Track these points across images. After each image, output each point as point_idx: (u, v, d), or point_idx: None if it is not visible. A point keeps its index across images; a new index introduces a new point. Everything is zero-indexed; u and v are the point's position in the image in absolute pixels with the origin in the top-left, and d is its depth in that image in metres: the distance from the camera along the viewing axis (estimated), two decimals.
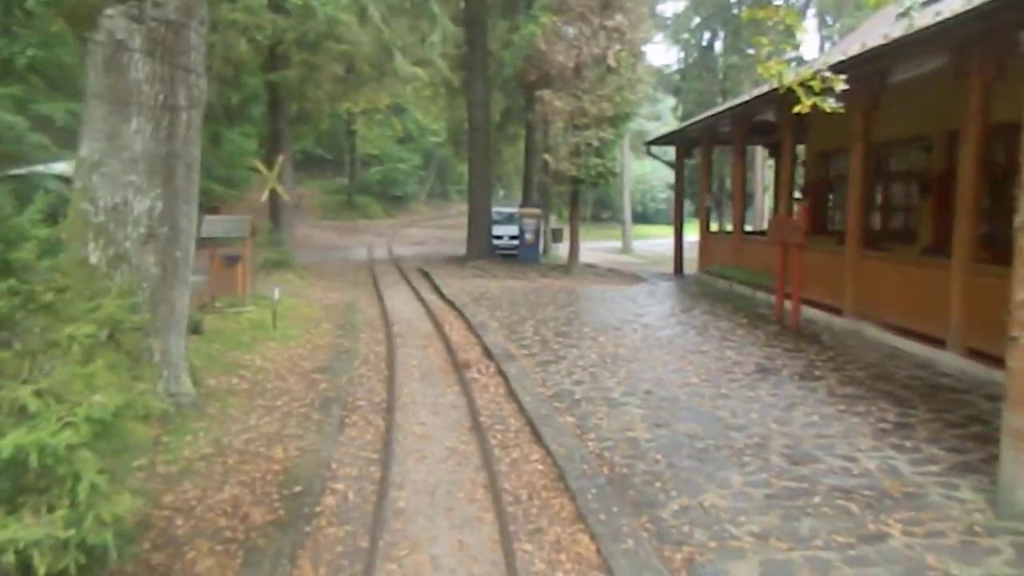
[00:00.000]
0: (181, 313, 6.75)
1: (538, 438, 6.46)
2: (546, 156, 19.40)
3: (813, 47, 39.93)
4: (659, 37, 39.21)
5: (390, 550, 4.56)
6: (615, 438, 6.26)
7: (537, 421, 6.77)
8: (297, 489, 5.24)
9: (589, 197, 43.93)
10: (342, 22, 14.95)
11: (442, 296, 15.40)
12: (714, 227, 23.61)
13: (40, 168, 12.99)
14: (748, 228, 20.14)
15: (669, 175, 25.82)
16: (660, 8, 38.10)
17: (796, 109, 6.66)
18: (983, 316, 7.59)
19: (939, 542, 4.25)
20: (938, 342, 8.54)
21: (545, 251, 25.09)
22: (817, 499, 4.91)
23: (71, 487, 2.72)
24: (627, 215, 36.66)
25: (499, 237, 24.00)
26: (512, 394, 7.84)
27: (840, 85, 6.52)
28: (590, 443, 6.17)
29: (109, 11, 5.96)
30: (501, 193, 42.34)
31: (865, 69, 9.15)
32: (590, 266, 21.55)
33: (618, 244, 35.59)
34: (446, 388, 8.41)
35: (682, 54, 39.47)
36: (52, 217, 3.87)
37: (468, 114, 22.90)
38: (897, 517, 4.59)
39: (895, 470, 5.38)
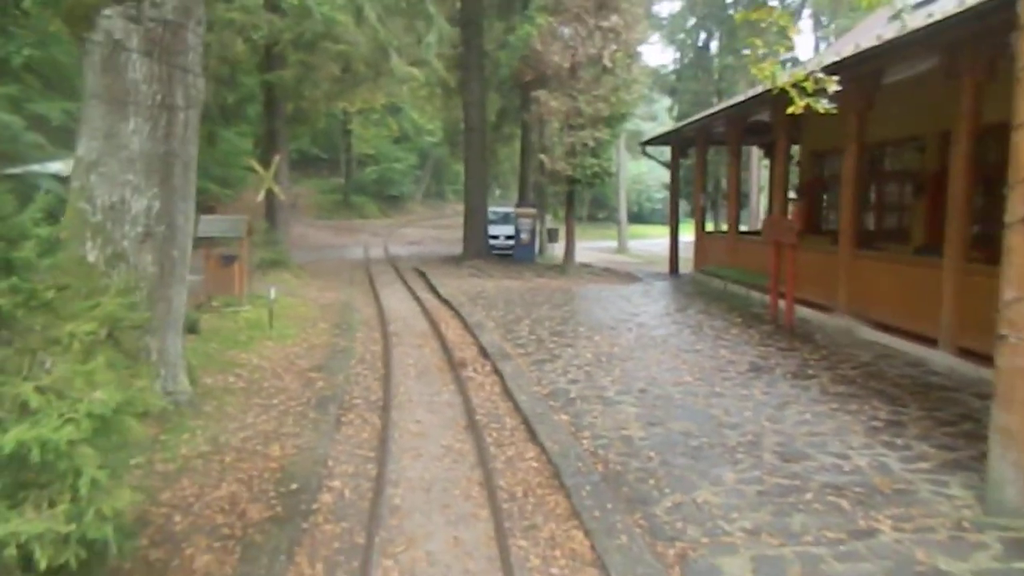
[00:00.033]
0: (178, 312, 6.79)
1: (533, 436, 6.51)
2: (542, 156, 19.46)
3: (809, 48, 40.11)
4: (655, 37, 39.37)
5: (386, 546, 4.60)
6: (609, 436, 6.32)
7: (532, 419, 6.82)
8: (294, 486, 5.28)
9: (585, 197, 44.03)
10: (338, 22, 14.99)
11: (438, 295, 15.44)
12: (709, 227, 23.73)
13: (36, 167, 13.01)
14: (744, 228, 20.21)
15: (665, 175, 25.95)
16: (656, 8, 38.24)
17: (790, 110, 6.73)
18: (974, 315, 7.65)
19: (928, 537, 4.31)
20: (930, 341, 8.61)
21: (541, 251, 25.15)
22: (809, 496, 4.97)
23: (72, 482, 2.76)
24: (623, 215, 36.75)
25: (495, 237, 24.05)
26: (508, 393, 7.89)
27: (833, 86, 6.58)
28: (585, 441, 6.22)
29: (107, 11, 6.00)
30: (497, 193, 42.39)
31: (858, 70, 9.22)
32: (586, 266, 21.61)
33: (614, 244, 35.68)
34: (442, 387, 8.46)
35: (678, 54, 39.60)
36: (52, 216, 3.91)
37: (464, 114, 22.95)
38: (887, 513, 4.65)
39: (886, 467, 5.44)
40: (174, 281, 6.60)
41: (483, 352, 9.83)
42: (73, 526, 2.71)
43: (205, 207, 17.63)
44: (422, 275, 19.28)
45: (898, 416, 6.62)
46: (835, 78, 6.58)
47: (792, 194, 17.23)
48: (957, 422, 6.40)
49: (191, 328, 8.83)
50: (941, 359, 8.36)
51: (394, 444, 6.46)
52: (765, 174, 28.25)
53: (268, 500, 5.05)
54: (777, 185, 14.28)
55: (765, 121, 14.39)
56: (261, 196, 17.04)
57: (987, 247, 8.36)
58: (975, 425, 6.18)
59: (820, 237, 14.19)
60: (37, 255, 3.03)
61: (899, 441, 5.97)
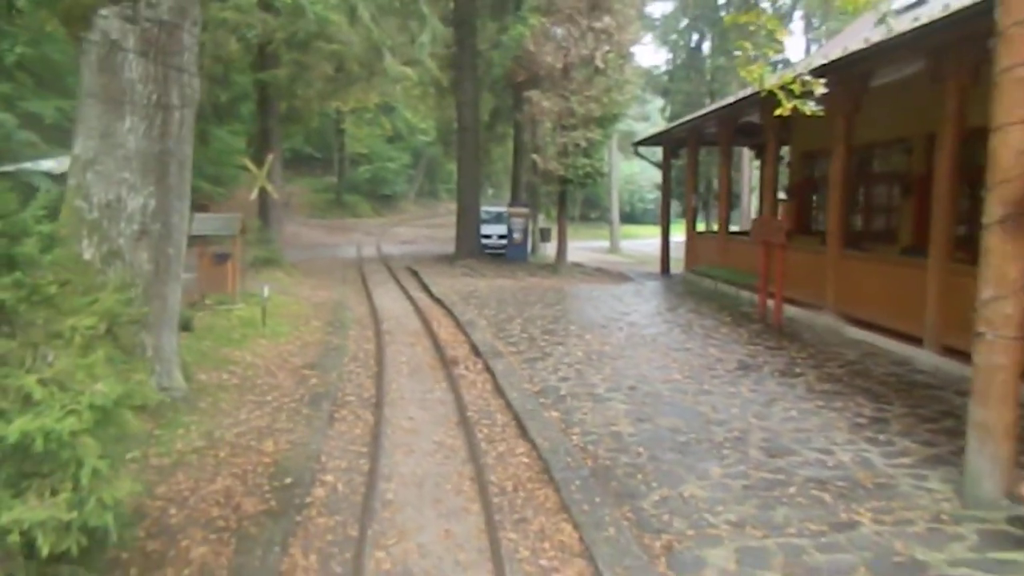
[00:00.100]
0: (173, 309, 6.86)
1: (524, 432, 6.60)
2: (534, 156, 19.56)
3: (800, 50, 40.33)
4: (648, 38, 39.49)
5: (379, 539, 4.69)
6: (599, 432, 6.42)
7: (523, 416, 6.91)
8: (288, 481, 5.36)
9: (577, 197, 44.16)
10: (332, 22, 15.04)
11: (431, 294, 15.52)
12: (701, 227, 23.86)
13: (28, 165, 13.04)
14: (735, 228, 20.36)
15: (657, 175, 26.06)
16: (649, 9, 38.33)
17: (777, 112, 6.85)
18: (958, 315, 7.77)
19: (907, 529, 4.43)
20: (915, 340, 8.74)
21: (533, 250, 25.25)
22: (792, 490, 5.08)
23: (74, 471, 2.85)
24: (615, 215, 36.88)
25: (488, 236, 24.16)
26: (499, 390, 7.99)
27: (819, 89, 6.70)
28: (574, 437, 6.32)
29: (103, 11, 6.07)
30: (490, 192, 42.46)
31: (846, 73, 9.35)
32: (578, 265, 21.72)
33: (606, 244, 35.80)
34: (434, 384, 8.55)
35: (670, 55, 39.77)
36: (50, 214, 3.98)
37: (457, 114, 23.03)
38: (868, 506, 4.77)
39: (868, 462, 5.56)
40: (169, 279, 6.67)
41: (475, 350, 9.92)
42: (74, 514, 2.79)
43: (198, 205, 17.65)
44: (415, 274, 19.36)
45: (882, 413, 6.75)
46: (822, 80, 6.70)
47: (782, 195, 17.39)
48: (939, 419, 6.53)
49: (185, 326, 8.88)
50: (926, 358, 8.50)
51: (387, 440, 6.55)
52: (756, 175, 28.41)
53: (262, 494, 5.13)
54: (767, 186, 14.42)
55: (755, 122, 14.54)
56: (254, 195, 17.08)
57: (972, 248, 8.46)
58: (956, 422, 6.30)
59: (810, 237, 14.33)
60: (39, 251, 3.11)
61: (882, 437, 6.10)
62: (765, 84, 7.14)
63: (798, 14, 36.39)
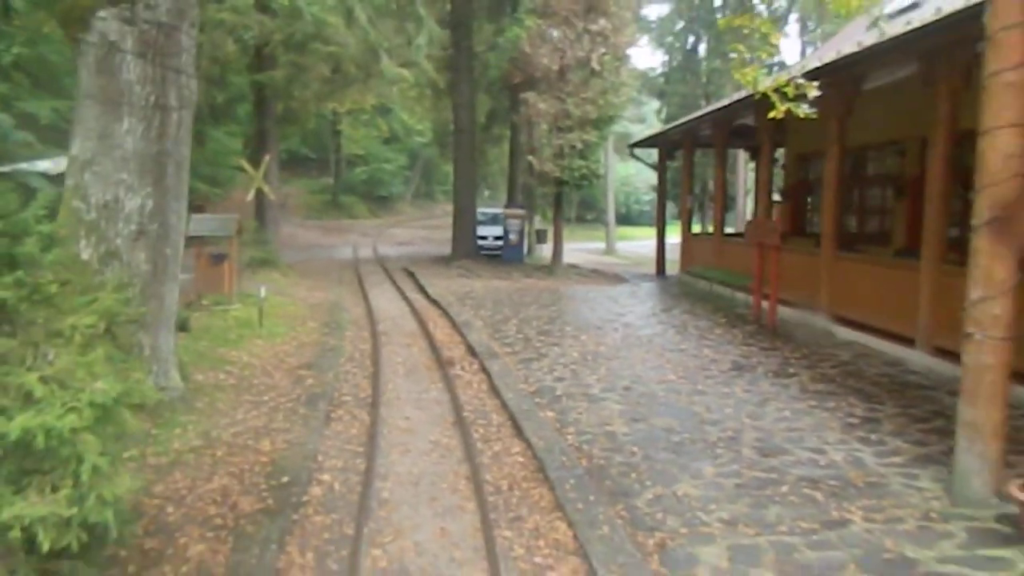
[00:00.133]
0: (170, 309, 6.89)
1: (519, 432, 6.65)
2: (530, 158, 19.61)
3: (796, 52, 40.50)
4: (644, 40, 39.58)
5: (375, 536, 4.73)
6: (594, 432, 6.47)
7: (519, 416, 6.96)
8: (284, 479, 5.40)
9: (573, 198, 44.26)
10: (329, 23, 15.09)
11: (427, 295, 15.56)
12: (696, 229, 23.94)
13: (24, 166, 13.04)
14: (730, 230, 20.44)
15: (653, 177, 26.13)
16: (645, 12, 38.41)
17: (771, 114, 6.92)
18: (950, 316, 7.83)
19: (897, 527, 4.49)
20: (908, 341, 8.81)
21: (529, 252, 25.30)
22: (785, 488, 5.14)
23: (74, 468, 2.89)
24: (611, 216, 36.97)
25: (484, 237, 24.21)
26: (495, 390, 8.03)
27: (812, 91, 6.77)
28: (569, 436, 6.37)
29: (102, 13, 6.10)
30: (486, 194, 42.51)
31: (839, 76, 9.43)
32: (573, 267, 21.78)
33: (602, 245, 35.88)
34: (430, 384, 8.59)
35: (666, 57, 39.85)
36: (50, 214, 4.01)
37: (454, 115, 23.08)
38: (859, 505, 4.82)
39: (860, 461, 5.62)
40: (167, 279, 6.70)
41: (471, 351, 9.96)
42: (75, 510, 2.83)
43: (194, 206, 17.63)
44: (411, 275, 19.39)
45: (874, 413, 6.81)
46: (815, 83, 6.77)
47: (777, 197, 17.47)
48: (930, 419, 6.59)
49: (181, 326, 8.91)
50: (918, 358, 8.56)
51: (383, 440, 6.59)
52: (752, 177, 28.51)
53: (259, 493, 5.17)
54: (761, 188, 14.49)
55: (750, 125, 14.60)
56: (251, 196, 17.11)
57: (964, 250, 8.53)
58: (947, 421, 6.35)
59: (805, 239, 14.39)
60: (39, 251, 3.14)
61: (874, 437, 6.16)
62: (759, 87, 7.21)
63: (794, 17, 36.55)
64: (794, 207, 16.57)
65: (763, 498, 4.99)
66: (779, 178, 18.58)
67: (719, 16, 33.24)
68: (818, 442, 6.07)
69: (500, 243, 23.65)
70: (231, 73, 18.79)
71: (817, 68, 8.95)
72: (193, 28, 6.76)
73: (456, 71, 22.27)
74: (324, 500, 5.26)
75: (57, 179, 10.85)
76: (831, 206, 10.89)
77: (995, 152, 4.49)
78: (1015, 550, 4.11)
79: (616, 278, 19.78)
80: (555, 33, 18.84)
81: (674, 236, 20.86)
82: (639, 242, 39.06)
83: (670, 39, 38.80)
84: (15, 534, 2.72)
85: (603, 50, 18.39)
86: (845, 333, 10.21)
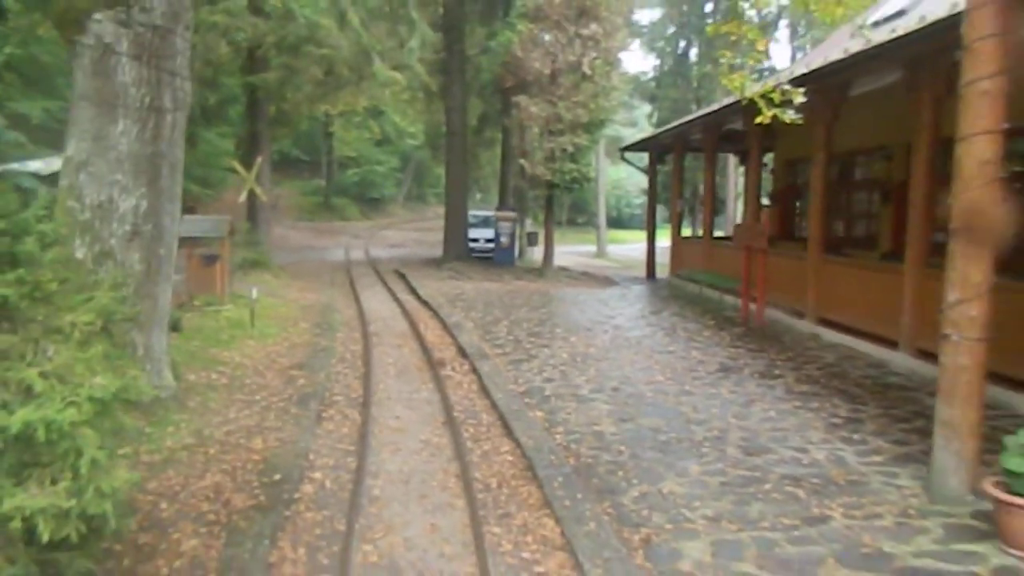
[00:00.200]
0: (164, 309, 6.96)
1: (509, 431, 6.74)
2: (522, 161, 19.73)
3: (786, 57, 40.81)
4: (635, 44, 39.84)
5: (366, 532, 4.82)
6: (582, 431, 6.57)
7: (508, 416, 7.05)
8: (277, 477, 5.47)
9: (565, 201, 44.39)
10: (322, 26, 15.16)
11: (418, 297, 15.64)
12: (687, 232, 24.10)
13: (15, 166, 13.05)
14: (720, 233, 20.61)
15: (644, 181, 26.28)
16: (637, 16, 38.62)
17: (757, 120, 7.06)
18: (932, 319, 7.96)
19: (876, 523, 4.60)
20: (891, 343, 8.96)
21: (520, 254, 25.41)
22: (768, 486, 5.25)
23: (73, 461, 2.96)
24: (602, 220, 37.11)
25: (475, 240, 24.30)
26: (485, 391, 8.12)
27: (799, 98, 6.92)
28: (558, 436, 6.47)
29: (97, 15, 6.17)
30: (478, 196, 42.60)
31: (825, 82, 9.58)
32: (564, 269, 21.90)
33: (593, 248, 36.01)
34: (421, 385, 8.67)
35: (658, 62, 40.08)
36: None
37: (446, 118, 23.18)
38: (840, 502, 4.94)
39: (842, 460, 5.74)
40: (160, 279, 6.77)
41: (461, 352, 10.05)
42: (74, 502, 2.91)
43: (185, 207, 17.60)
44: (402, 277, 19.46)
45: (857, 414, 6.94)
46: (801, 90, 6.92)
47: (766, 201, 17.64)
48: (911, 419, 6.73)
49: (174, 326, 8.95)
50: (901, 360, 8.71)
51: (374, 439, 6.67)
52: (742, 181, 28.71)
53: (251, 490, 5.24)
54: (750, 192, 14.65)
55: (739, 129, 14.75)
56: (243, 197, 17.15)
57: (946, 254, 8.71)
58: (927, 422, 6.45)
59: (793, 243, 14.56)
60: (39, 249, 3.22)
61: (856, 436, 6.28)
62: (746, 92, 7.35)
63: (784, 23, 36.81)
64: (782, 211, 16.76)
65: (747, 495, 5.10)
66: (769, 182, 18.76)
67: (709, 22, 33.49)
68: (801, 441, 6.19)
69: (491, 245, 23.75)
70: (223, 75, 18.82)
71: (804, 75, 9.11)
72: (188, 31, 6.84)
73: (448, 74, 22.37)
74: (316, 497, 5.33)
75: (48, 179, 10.90)
76: (818, 211, 11.05)
77: (971, 158, 4.62)
78: (988, 545, 4.23)
79: (606, 281, 19.92)
80: (547, 37, 18.98)
81: (665, 239, 21.01)
82: (630, 245, 39.22)
83: (661, 44, 39.03)
84: (15, 525, 2.79)
85: (594, 54, 18.54)
86: (831, 336, 10.35)
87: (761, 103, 7.01)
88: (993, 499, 4.23)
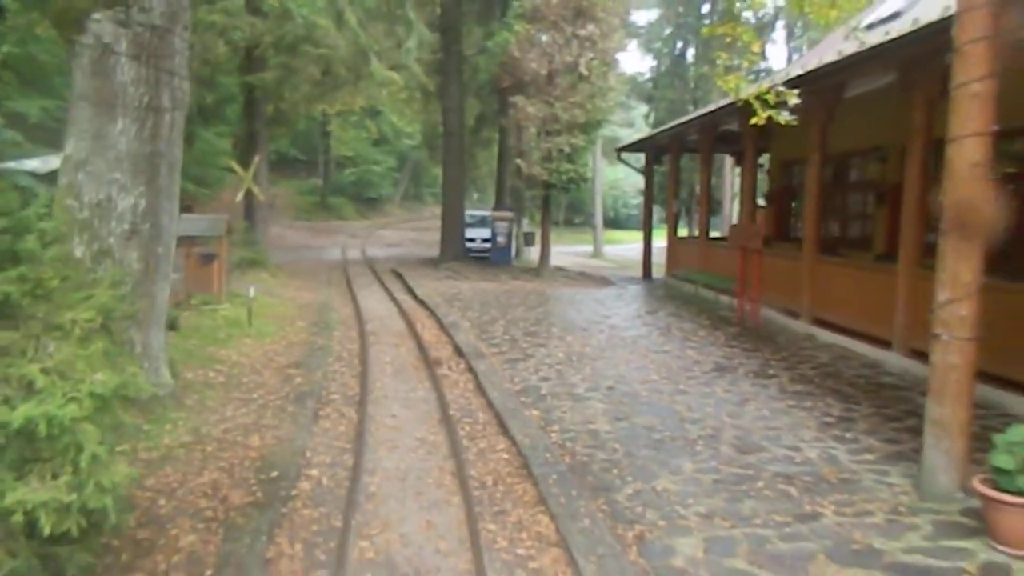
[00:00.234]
0: (161, 307, 6.99)
1: (504, 430, 6.79)
2: (519, 161, 19.78)
3: (782, 58, 40.90)
4: (632, 45, 39.90)
5: (362, 529, 4.86)
6: (577, 430, 6.62)
7: (504, 414, 7.10)
8: (274, 474, 5.52)
9: (562, 201, 44.43)
10: (319, 26, 15.18)
11: (415, 297, 15.68)
12: (683, 232, 24.18)
13: (12, 165, 13.07)
14: (716, 234, 20.68)
15: (641, 181, 26.34)
16: (634, 17, 38.70)
17: (752, 121, 7.12)
18: (925, 319, 8.03)
19: (866, 520, 4.66)
20: (885, 343, 9.02)
21: (517, 254, 25.45)
22: (760, 484, 5.31)
23: (73, 456, 3.00)
24: (598, 220, 37.19)
25: (472, 240, 24.35)
26: (481, 389, 8.17)
27: (793, 99, 6.97)
28: (553, 434, 6.52)
29: (96, 15, 6.20)
30: (475, 196, 42.66)
31: (819, 84, 9.64)
32: (561, 269, 21.95)
33: (589, 248, 36.09)
34: (417, 384, 8.72)
35: (655, 62, 40.15)
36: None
37: (443, 118, 23.22)
38: (831, 499, 5.00)
39: (834, 458, 5.80)
40: (158, 278, 6.81)
41: (458, 351, 10.10)
42: (74, 496, 2.95)
43: (182, 206, 17.61)
44: (399, 276, 19.50)
45: (850, 413, 7.00)
46: (795, 91, 6.97)
47: (762, 201, 17.70)
48: (903, 418, 6.79)
49: (171, 325, 8.98)
50: (895, 360, 8.77)
51: (370, 436, 6.72)
52: (739, 181, 28.79)
53: (249, 487, 5.29)
54: (746, 192, 14.72)
55: (735, 130, 14.82)
56: (240, 196, 17.18)
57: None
58: (919, 421, 6.48)
59: (789, 244, 14.63)
60: (40, 247, 3.26)
61: (848, 435, 6.34)
62: (741, 94, 7.41)
63: (780, 23, 36.92)
64: (778, 212, 16.82)
65: (739, 493, 5.15)
66: (765, 183, 18.82)
67: (706, 23, 33.59)
68: (794, 440, 6.24)
69: (488, 245, 23.80)
70: (221, 74, 18.84)
71: (798, 76, 9.17)
72: (186, 31, 6.88)
73: (445, 74, 22.41)
74: (312, 494, 5.38)
75: (45, 178, 10.92)
76: (812, 212, 11.12)
77: (961, 160, 4.68)
78: (977, 541, 4.29)
79: (603, 281, 19.98)
80: (544, 38, 19.04)
81: (661, 240, 21.06)
82: (627, 245, 39.29)
83: (658, 45, 39.12)
84: (17, 518, 2.83)
85: (591, 55, 18.60)
86: (825, 336, 10.42)
87: (756, 104, 7.07)
88: (981, 496, 4.29)
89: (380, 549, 4.62)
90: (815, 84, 9.46)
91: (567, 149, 18.84)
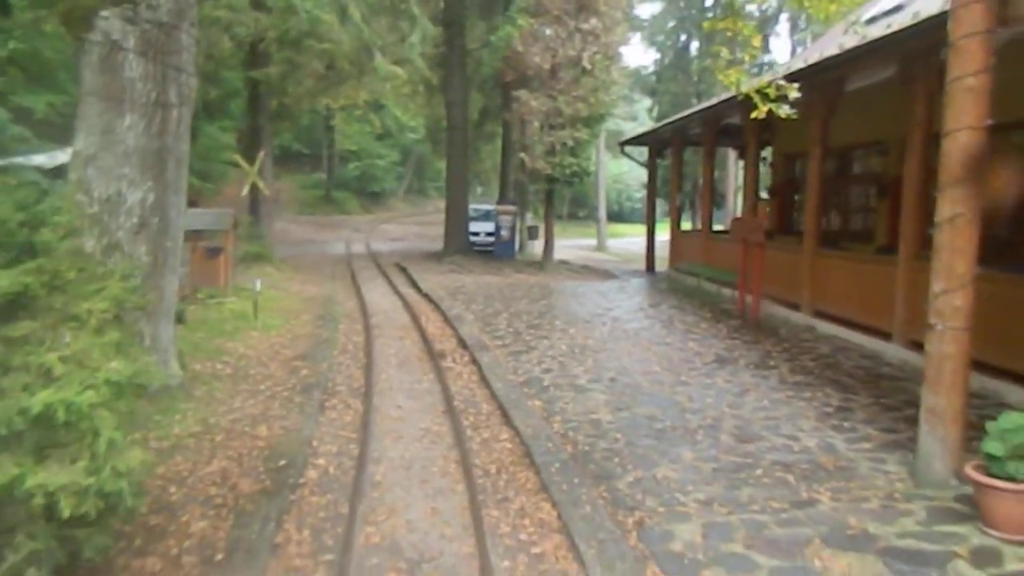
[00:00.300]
0: (170, 300, 7.11)
1: (508, 420, 6.89)
2: (522, 155, 19.87)
3: (786, 51, 40.84)
4: (636, 38, 39.88)
5: (368, 515, 4.98)
6: (579, 420, 6.72)
7: (507, 405, 7.21)
8: (281, 463, 5.63)
9: (565, 195, 44.47)
10: (323, 21, 15.26)
11: (419, 290, 15.79)
12: (687, 226, 24.22)
13: (19, 160, 13.19)
14: (720, 227, 20.72)
15: (645, 175, 26.44)
16: (637, 10, 38.67)
17: (753, 115, 7.18)
18: (924, 310, 8.12)
19: (862, 506, 4.75)
20: (884, 335, 9.10)
21: (521, 248, 25.56)
22: (759, 472, 5.40)
23: (90, 442, 3.12)
24: (602, 213, 37.22)
25: (476, 233, 24.45)
26: (484, 381, 8.28)
27: (793, 93, 7.03)
28: (556, 424, 6.62)
29: (105, 13, 6.30)
30: (479, 190, 42.75)
31: (820, 78, 9.69)
32: (564, 263, 22.05)
33: (593, 242, 36.15)
34: (422, 375, 8.83)
35: (658, 55, 40.13)
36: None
37: (446, 112, 23.29)
38: (828, 486, 5.09)
39: (832, 447, 5.89)
40: (166, 271, 6.92)
41: (462, 343, 10.20)
42: (92, 480, 3.06)
43: (188, 201, 17.77)
44: (403, 270, 19.60)
45: (848, 403, 7.09)
46: (795, 85, 7.03)
47: (764, 195, 17.76)
48: (901, 408, 6.87)
49: (178, 318, 9.06)
50: (894, 351, 8.85)
51: (376, 427, 6.83)
52: (742, 175, 28.80)
53: (257, 475, 5.40)
54: (748, 186, 14.77)
55: (737, 124, 14.86)
56: (246, 190, 17.30)
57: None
58: (917, 411, 6.52)
59: (791, 237, 14.68)
60: (57, 240, 3.37)
61: (846, 424, 6.44)
62: (741, 88, 7.47)
63: (784, 16, 36.86)
64: (781, 205, 16.87)
65: (738, 480, 5.25)
66: (767, 177, 18.87)
67: (710, 16, 33.52)
68: (793, 429, 6.34)
69: (492, 239, 23.90)
70: (225, 69, 18.96)
71: (799, 70, 9.22)
72: (193, 27, 6.98)
73: (449, 68, 22.47)
74: (320, 482, 5.49)
75: (52, 173, 11.04)
76: (813, 205, 11.18)
77: (956, 152, 4.75)
78: (970, 526, 4.38)
79: (606, 274, 20.06)
80: (547, 32, 19.10)
81: (664, 233, 21.13)
82: (630, 239, 39.33)
83: (661, 38, 39.10)
84: (38, 501, 2.94)
85: (594, 49, 18.66)
86: (826, 327, 10.49)
87: (756, 98, 7.13)
88: (973, 482, 4.38)
89: (386, 534, 4.73)
90: (816, 78, 9.52)
91: (570, 143, 18.92)
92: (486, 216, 25.86)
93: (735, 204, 32.62)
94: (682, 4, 36.22)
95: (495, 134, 29.02)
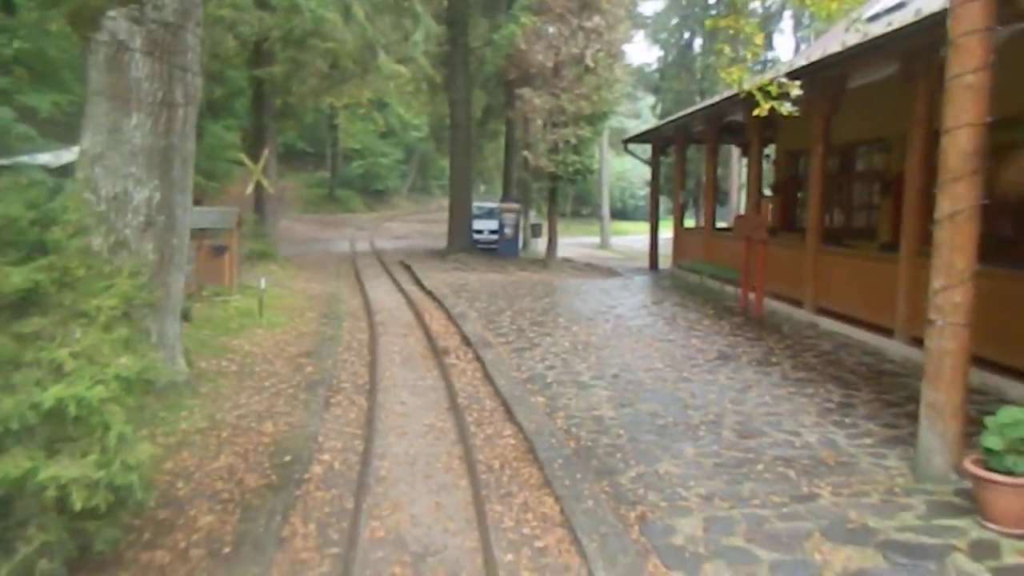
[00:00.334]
0: (176, 298, 7.18)
1: (511, 416, 6.95)
2: (526, 152, 19.92)
3: (790, 48, 40.78)
4: (639, 36, 39.91)
5: (373, 510, 5.03)
6: (582, 416, 6.77)
7: (511, 401, 7.26)
8: (287, 459, 5.70)
9: (569, 193, 44.46)
10: (327, 20, 15.32)
11: (423, 288, 15.85)
12: (690, 223, 24.26)
13: (24, 159, 13.27)
14: (722, 224, 20.72)
15: (648, 172, 26.42)
16: (641, 8, 38.75)
17: (755, 112, 7.23)
18: (926, 307, 8.15)
19: (862, 501, 4.79)
20: (887, 331, 9.12)
21: (524, 245, 25.60)
22: (760, 467, 5.44)
23: (101, 436, 3.17)
24: (605, 211, 37.19)
25: (479, 231, 24.52)
26: (488, 378, 8.33)
27: (795, 90, 7.07)
28: (559, 420, 6.67)
29: (111, 13, 6.36)
30: (482, 188, 42.77)
31: (822, 75, 9.71)
32: (568, 260, 22.08)
33: (596, 240, 36.14)
34: (426, 372, 8.88)
35: (662, 53, 40.15)
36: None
37: (450, 111, 23.34)
38: (829, 481, 5.13)
39: (833, 443, 5.93)
40: (173, 269, 6.98)
41: (466, 341, 10.26)
42: (103, 473, 3.12)
43: (193, 199, 17.82)
44: (407, 268, 19.67)
45: (850, 399, 7.13)
46: (797, 83, 7.08)
47: (767, 192, 17.77)
48: (903, 404, 6.91)
49: (184, 315, 9.14)
50: (896, 348, 8.88)
51: (380, 423, 6.89)
52: (745, 172, 28.78)
53: (263, 470, 5.46)
54: (751, 183, 14.79)
55: (740, 121, 14.87)
56: (250, 189, 17.37)
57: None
58: (918, 406, 6.62)
59: (794, 234, 14.70)
60: (67, 238, 3.43)
61: (848, 420, 6.47)
62: (744, 85, 7.51)
63: (788, 13, 36.83)
64: (784, 202, 16.89)
65: (739, 475, 5.29)
66: (770, 174, 18.88)
67: (713, 13, 33.50)
68: (795, 425, 6.38)
69: (495, 237, 23.96)
70: (230, 68, 19.02)
71: (801, 68, 9.25)
72: (198, 27, 7.03)
73: (452, 67, 22.52)
74: (325, 477, 5.55)
75: (57, 172, 11.11)
76: (816, 202, 11.20)
77: (955, 150, 4.79)
78: (968, 520, 4.42)
79: (609, 272, 20.10)
80: (550, 30, 19.14)
81: (668, 231, 21.14)
82: (634, 236, 39.29)
83: (665, 35, 39.12)
84: (50, 494, 3.00)
85: (597, 47, 18.69)
86: (828, 324, 10.52)
87: (758, 96, 7.17)
88: (972, 476, 4.41)
89: (390, 528, 4.79)
90: (818, 75, 9.55)
91: (573, 140, 18.96)
92: (489, 214, 25.91)
93: (738, 201, 32.59)
94: (685, 2, 36.26)
95: (498, 132, 29.06)
